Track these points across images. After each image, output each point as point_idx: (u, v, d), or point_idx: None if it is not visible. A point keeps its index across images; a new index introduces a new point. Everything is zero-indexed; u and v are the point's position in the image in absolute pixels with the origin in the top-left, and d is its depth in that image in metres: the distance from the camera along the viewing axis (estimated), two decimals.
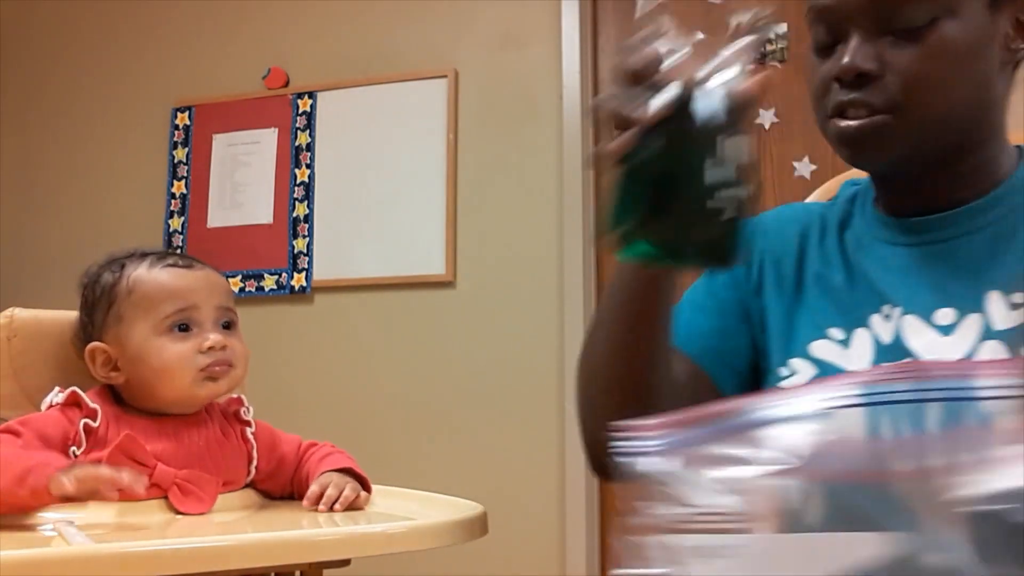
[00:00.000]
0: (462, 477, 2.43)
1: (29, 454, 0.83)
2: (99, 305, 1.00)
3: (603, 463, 0.70)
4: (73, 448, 0.90)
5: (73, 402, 0.93)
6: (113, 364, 0.98)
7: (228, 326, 1.00)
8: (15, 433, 0.87)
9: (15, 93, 3.02)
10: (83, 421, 0.91)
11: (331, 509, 0.91)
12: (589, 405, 0.77)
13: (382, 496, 0.98)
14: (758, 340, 0.82)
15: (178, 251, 1.09)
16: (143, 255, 1.02)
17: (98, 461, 0.88)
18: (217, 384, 0.97)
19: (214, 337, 0.96)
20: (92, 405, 0.93)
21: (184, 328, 0.96)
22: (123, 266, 1.00)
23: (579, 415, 0.78)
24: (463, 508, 0.88)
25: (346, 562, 0.80)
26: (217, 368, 0.96)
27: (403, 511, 0.91)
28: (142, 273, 0.99)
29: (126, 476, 0.80)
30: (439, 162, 2.57)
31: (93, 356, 0.98)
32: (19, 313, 1.05)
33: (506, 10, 2.60)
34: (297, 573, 0.89)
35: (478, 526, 0.83)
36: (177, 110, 2.82)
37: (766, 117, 2.43)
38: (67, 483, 0.78)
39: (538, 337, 2.44)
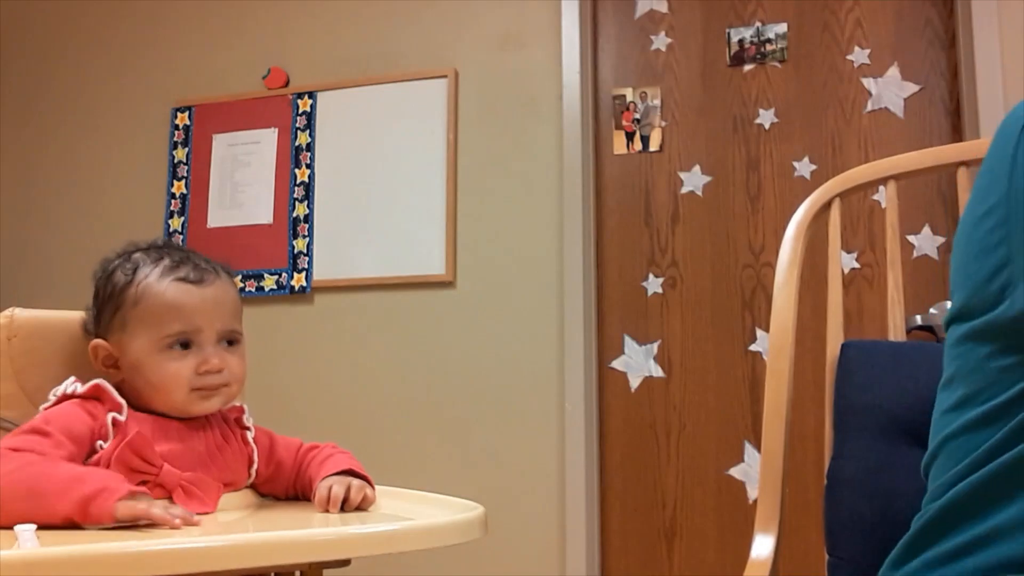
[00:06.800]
0: (462, 477, 2.43)
1: (80, 473, 0.82)
2: (108, 305, 0.99)
3: None
4: (100, 442, 0.90)
5: (94, 396, 0.93)
6: (114, 363, 0.98)
7: (231, 342, 1.00)
8: (43, 433, 0.86)
9: (15, 93, 3.02)
10: (111, 415, 0.91)
11: (342, 508, 0.91)
12: None
13: (382, 496, 0.98)
14: None
15: (193, 254, 1.04)
16: (159, 256, 1.00)
17: (108, 456, 0.88)
18: (210, 402, 0.97)
19: (212, 361, 0.96)
20: (119, 399, 0.93)
21: (185, 345, 0.97)
22: (136, 269, 0.99)
23: None
24: (463, 508, 0.88)
25: (346, 562, 0.80)
26: (209, 390, 0.97)
27: (403, 511, 0.91)
28: (151, 284, 0.97)
29: (178, 512, 0.80)
30: (439, 162, 2.57)
31: (96, 351, 0.99)
32: (19, 313, 1.05)
33: (506, 10, 2.60)
34: (297, 573, 0.89)
35: (478, 526, 0.82)
36: (177, 110, 2.82)
37: (766, 117, 2.43)
38: (129, 512, 0.77)
39: (538, 337, 2.43)
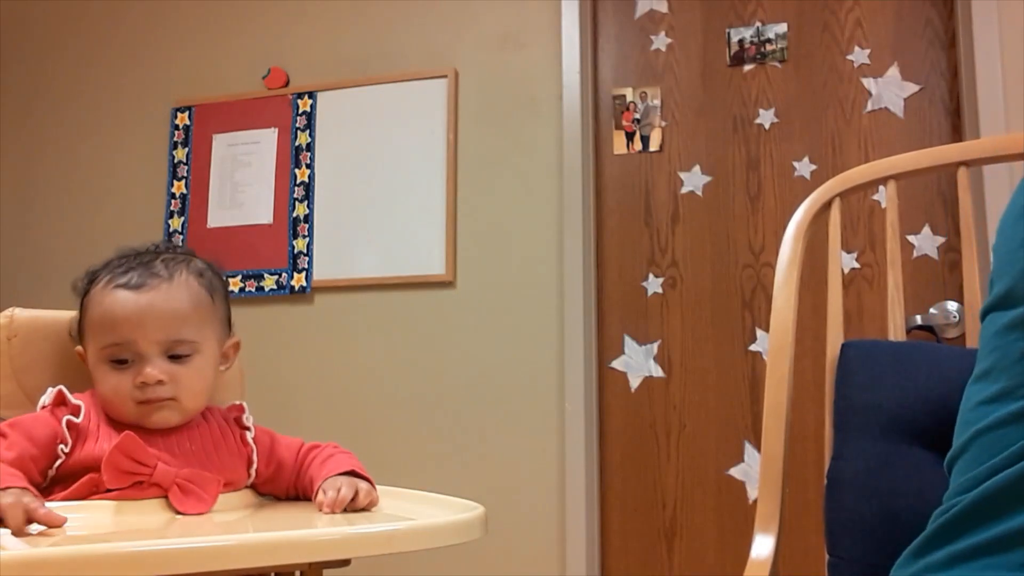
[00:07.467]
0: (462, 477, 2.43)
1: None
2: (79, 311, 1.01)
3: None
4: (61, 446, 0.90)
5: (60, 401, 0.94)
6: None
7: (178, 356, 0.95)
8: (2, 435, 0.87)
9: (15, 93, 3.02)
10: (66, 418, 0.91)
11: (344, 510, 0.91)
12: None
13: (382, 496, 0.98)
14: None
15: (164, 257, 1.00)
16: (123, 262, 0.99)
17: (95, 456, 0.88)
18: (160, 415, 0.94)
19: (149, 372, 0.93)
20: (75, 401, 0.93)
21: (121, 361, 0.94)
22: (96, 277, 0.98)
23: None
24: (463, 508, 0.88)
25: (346, 562, 0.80)
26: (153, 403, 0.94)
27: (403, 511, 0.91)
28: (96, 292, 0.97)
29: (33, 506, 0.73)
30: (439, 162, 2.57)
31: (82, 356, 1.00)
32: (19, 313, 1.05)
33: (506, 10, 2.60)
34: (297, 573, 0.89)
35: (478, 526, 0.82)
36: (177, 110, 2.82)
37: (766, 117, 2.43)
38: None
39: (538, 337, 2.43)
